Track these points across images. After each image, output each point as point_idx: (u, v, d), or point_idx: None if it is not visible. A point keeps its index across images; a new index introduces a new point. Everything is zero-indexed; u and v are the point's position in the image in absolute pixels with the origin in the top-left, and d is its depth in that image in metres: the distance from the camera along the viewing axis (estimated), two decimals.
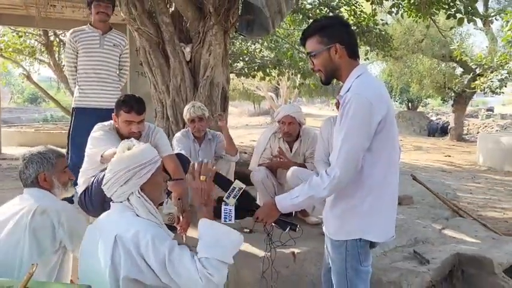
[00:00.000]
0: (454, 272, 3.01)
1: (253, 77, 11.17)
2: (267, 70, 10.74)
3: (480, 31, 16.15)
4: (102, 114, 3.09)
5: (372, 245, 1.94)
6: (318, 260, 2.86)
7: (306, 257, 2.87)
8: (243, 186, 2.03)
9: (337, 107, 3.17)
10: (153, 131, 3.07)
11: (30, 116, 27.26)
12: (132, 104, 2.77)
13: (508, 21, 9.95)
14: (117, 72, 3.78)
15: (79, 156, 3.02)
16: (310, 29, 1.93)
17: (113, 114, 2.88)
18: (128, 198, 1.79)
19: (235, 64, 10.88)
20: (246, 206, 2.03)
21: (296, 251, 2.88)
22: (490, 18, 8.74)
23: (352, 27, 7.37)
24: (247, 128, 22.02)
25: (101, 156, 2.71)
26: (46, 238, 1.92)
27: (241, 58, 10.95)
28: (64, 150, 3.45)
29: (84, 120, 3.35)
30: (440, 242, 3.37)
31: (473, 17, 6.73)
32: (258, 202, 3.57)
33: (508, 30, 9.98)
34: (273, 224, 2.02)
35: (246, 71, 10.93)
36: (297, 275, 2.82)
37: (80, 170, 2.95)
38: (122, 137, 2.89)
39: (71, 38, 3.65)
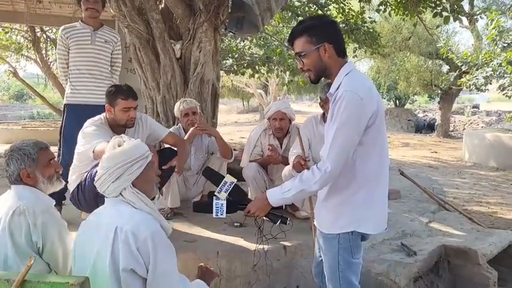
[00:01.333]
0: (440, 263, 3.09)
1: (243, 74, 11.19)
2: (256, 67, 10.77)
3: (466, 29, 16.38)
4: (94, 111, 3.10)
5: (363, 237, 1.99)
6: (308, 253, 2.92)
7: (297, 250, 2.93)
8: (234, 180, 2.08)
9: (322, 106, 3.25)
10: (141, 118, 3.19)
11: (16, 113, 26.92)
12: (127, 91, 2.93)
13: (492, 20, 10.12)
14: (109, 69, 3.78)
15: (71, 153, 3.03)
16: (298, 29, 1.94)
17: (106, 105, 2.95)
18: (121, 194, 1.81)
19: (224, 61, 10.87)
20: (237, 200, 2.07)
21: (287, 244, 2.93)
22: (475, 17, 8.86)
23: (341, 25, 7.43)
24: (237, 125, 22.04)
25: (93, 151, 2.73)
26: (22, 239, 1.86)
27: (230, 55, 10.96)
28: (55, 148, 3.47)
29: (75, 116, 3.35)
30: (427, 234, 3.46)
31: (459, 15, 6.86)
32: (250, 197, 3.66)
33: (493, 28, 10.15)
34: (264, 217, 2.05)
35: (235, 68, 10.95)
36: (287, 267, 2.87)
37: (71, 166, 2.96)
38: (115, 129, 2.92)
39: (62, 34, 3.64)
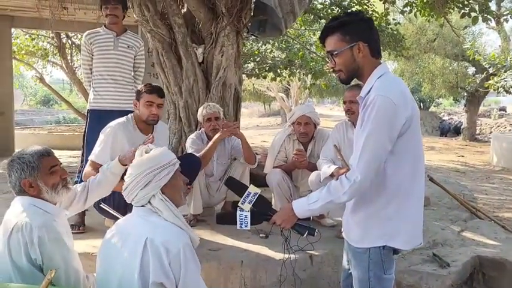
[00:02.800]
0: (475, 275, 2.95)
1: (264, 77, 11.15)
2: (278, 71, 10.71)
3: (493, 30, 15.97)
4: (117, 116, 3.08)
5: (396, 251, 1.87)
6: (335, 263, 2.82)
7: (323, 260, 2.83)
8: (258, 191, 2.00)
9: (345, 111, 3.14)
10: (160, 127, 3.19)
11: (42, 118, 27.50)
12: (153, 86, 3.00)
13: None
14: (132, 74, 3.77)
15: None
16: (332, 25, 1.81)
17: (134, 101, 3.02)
18: (149, 202, 1.77)
19: (246, 65, 10.87)
20: (262, 211, 1.99)
21: (313, 253, 2.83)
22: (503, 17, 8.60)
23: None
24: (258, 129, 22.02)
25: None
26: (22, 258, 1.75)
27: (252, 59, 10.94)
28: (78, 152, 3.46)
29: (98, 122, 3.33)
30: (459, 244, 3.31)
31: (488, 16, 6.64)
32: (273, 204, 3.58)
33: None
34: (290, 229, 1.96)
35: (257, 71, 10.92)
36: (314, 277, 2.78)
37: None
38: (140, 126, 2.98)
39: (85, 40, 3.64)
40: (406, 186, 1.78)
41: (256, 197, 1.96)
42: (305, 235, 1.97)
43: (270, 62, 10.88)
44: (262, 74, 10.80)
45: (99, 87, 3.60)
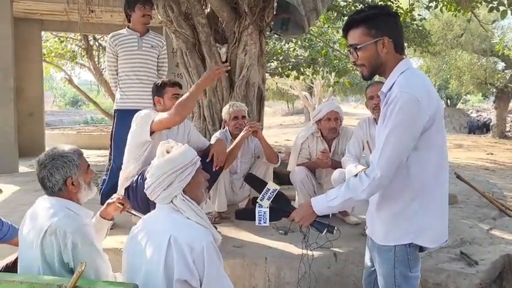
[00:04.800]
0: (504, 274, 2.88)
1: (287, 76, 11.13)
2: (301, 69, 10.67)
3: None
4: None
5: (422, 249, 1.85)
6: (360, 261, 2.79)
7: (348, 258, 2.81)
8: (277, 187, 2.00)
9: (372, 107, 3.12)
10: (186, 121, 3.23)
11: (71, 118, 28.17)
12: (172, 80, 3.08)
13: None
14: (156, 74, 3.83)
15: (122, 158, 3.08)
16: (356, 18, 1.77)
17: (155, 98, 3.06)
18: (172, 201, 1.80)
19: (269, 64, 10.87)
20: (280, 208, 1.99)
21: (337, 250, 2.83)
22: None
23: None
24: (281, 128, 21.98)
25: (151, 130, 2.81)
26: (54, 260, 1.79)
27: (275, 58, 10.93)
28: (106, 152, 3.53)
29: (126, 122, 3.39)
30: (488, 242, 3.24)
31: None
32: (297, 202, 3.58)
33: None
34: (310, 226, 1.95)
35: (280, 70, 10.91)
36: (338, 275, 2.77)
37: (123, 165, 3.00)
38: None
39: (110, 42, 3.73)
40: (430, 183, 1.77)
41: (275, 194, 1.96)
42: (324, 233, 1.95)
43: (293, 60, 10.85)
44: (286, 73, 10.77)
45: (126, 88, 3.68)
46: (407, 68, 1.75)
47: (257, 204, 2.00)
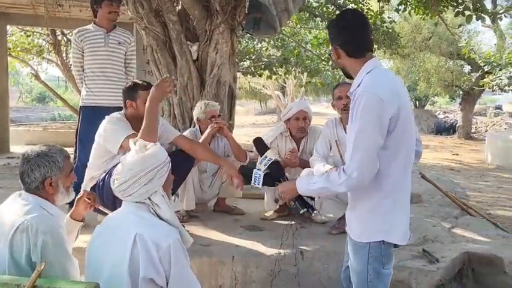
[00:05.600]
0: (464, 271, 2.98)
1: (260, 75, 11.15)
2: (274, 69, 10.72)
3: (488, 28, 16.03)
4: (110, 113, 3.07)
5: (395, 246, 1.91)
6: (326, 259, 2.85)
7: (314, 256, 2.85)
8: (274, 157, 2.13)
9: (341, 108, 3.17)
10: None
11: (38, 115, 27.38)
12: (145, 83, 2.93)
13: None
14: (124, 70, 3.78)
15: (87, 155, 3.01)
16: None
17: (126, 102, 2.90)
18: (149, 198, 1.80)
19: (241, 63, 10.87)
20: (274, 176, 2.12)
21: (304, 248, 2.86)
22: (498, 15, 8.64)
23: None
24: (254, 127, 22.00)
25: (121, 146, 2.72)
26: (22, 258, 1.75)
27: (247, 57, 10.94)
28: (71, 149, 3.45)
29: (91, 119, 3.34)
30: (449, 240, 3.34)
31: (482, 14, 6.66)
32: (265, 201, 3.60)
33: None
34: (293, 201, 2.08)
35: (253, 69, 10.92)
36: (305, 273, 2.80)
37: (88, 166, 2.95)
38: (134, 126, 2.88)
39: (76, 37, 3.65)
40: (400, 182, 1.83)
41: (270, 162, 2.10)
42: (302, 211, 2.06)
43: (266, 60, 10.88)
44: (258, 72, 10.79)
45: (92, 84, 3.61)
46: (374, 68, 1.83)
47: (257, 166, 2.17)
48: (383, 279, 1.89)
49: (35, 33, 11.78)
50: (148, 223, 1.75)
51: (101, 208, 2.23)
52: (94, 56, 3.61)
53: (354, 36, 1.88)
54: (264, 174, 2.08)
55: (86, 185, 2.91)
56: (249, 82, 21.84)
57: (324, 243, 2.96)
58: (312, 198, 2.12)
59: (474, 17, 6.50)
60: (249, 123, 25.61)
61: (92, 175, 2.93)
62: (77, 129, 3.63)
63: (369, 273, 1.87)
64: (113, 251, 1.72)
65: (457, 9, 6.56)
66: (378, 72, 1.82)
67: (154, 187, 1.79)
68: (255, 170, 2.11)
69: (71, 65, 11.28)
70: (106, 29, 3.65)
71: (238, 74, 13.94)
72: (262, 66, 10.67)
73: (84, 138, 3.37)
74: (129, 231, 1.70)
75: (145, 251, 1.66)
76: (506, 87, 12.10)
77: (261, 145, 2.40)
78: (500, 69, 11.79)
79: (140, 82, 2.99)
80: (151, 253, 1.66)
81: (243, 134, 14.88)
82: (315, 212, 2.08)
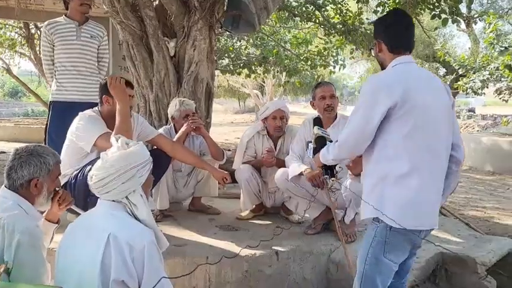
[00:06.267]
0: (438, 272, 3.00)
1: (239, 74, 11.10)
2: (253, 67, 10.68)
3: (463, 33, 16.40)
4: (81, 108, 2.98)
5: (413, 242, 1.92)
6: (301, 259, 2.83)
7: (290, 256, 2.82)
8: (318, 132, 2.28)
9: (315, 106, 3.17)
10: (132, 115, 3.07)
11: (10, 110, 26.72)
12: (124, 79, 2.86)
13: (490, 23, 10.10)
14: (96, 65, 3.67)
15: (56, 152, 2.91)
16: None
17: (103, 97, 2.81)
18: (127, 197, 1.73)
19: (220, 61, 10.79)
20: (318, 149, 2.25)
21: (279, 249, 2.83)
22: (473, 19, 8.83)
23: (338, 26, 7.25)
24: (232, 126, 21.95)
25: (94, 144, 2.64)
26: None
27: (226, 55, 10.87)
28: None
29: (62, 114, 3.23)
30: (423, 241, 3.35)
31: (457, 18, 6.77)
32: (242, 201, 3.56)
33: (490, 32, 10.12)
34: (321, 168, 2.22)
35: (232, 68, 10.86)
36: (280, 273, 2.77)
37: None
38: (109, 122, 2.80)
39: (46, 30, 3.53)
40: (406, 171, 1.83)
41: (315, 137, 2.27)
42: (324, 176, 2.22)
43: (245, 58, 10.84)
44: (237, 71, 10.74)
45: (62, 79, 3.50)
46: (399, 63, 1.95)
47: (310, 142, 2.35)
48: (380, 268, 1.87)
49: (6, 26, 11.43)
50: (123, 223, 1.69)
51: (73, 208, 2.15)
52: (65, 49, 3.49)
53: (398, 33, 2.01)
54: (313, 148, 2.27)
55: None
56: (227, 80, 21.77)
57: (299, 243, 2.94)
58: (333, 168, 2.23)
59: (450, 20, 6.60)
60: (228, 122, 25.56)
61: (63, 173, 2.82)
62: (47, 125, 3.51)
63: (368, 256, 1.89)
64: (85, 251, 1.66)
65: (434, 12, 6.65)
66: (394, 68, 1.95)
67: (134, 186, 1.73)
68: (309, 144, 2.30)
69: None
70: (78, 21, 3.54)
71: (217, 72, 13.89)
72: (241, 64, 10.62)
73: (55, 135, 3.26)
74: (102, 231, 1.64)
75: (118, 252, 1.60)
76: (479, 90, 12.37)
77: (317, 123, 2.60)
78: (474, 73, 12.05)
79: (121, 77, 2.91)
80: (124, 254, 1.60)
81: (222, 133, 14.81)
82: (332, 179, 2.20)
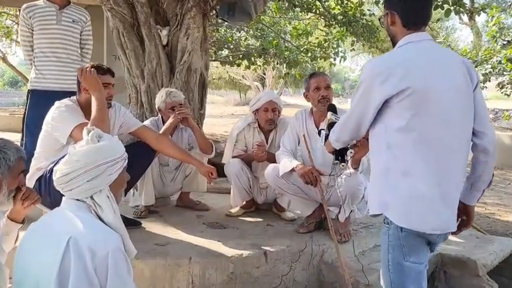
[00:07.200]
0: (436, 274, 2.85)
1: (238, 65, 10.93)
2: (252, 59, 10.49)
3: (465, 26, 16.17)
4: (61, 98, 2.79)
5: (430, 245, 1.76)
6: (292, 260, 2.67)
7: (279, 257, 2.65)
8: (331, 118, 2.18)
9: (308, 98, 3.00)
10: (115, 105, 2.91)
11: (10, 100, 26.59)
12: (103, 67, 2.71)
13: (493, 16, 9.92)
14: (79, 52, 3.49)
15: (35, 143, 2.74)
16: None
17: (81, 85, 2.64)
18: (92, 196, 1.57)
19: (220, 52, 10.65)
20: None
21: (268, 249, 2.66)
22: (478, 10, 8.64)
23: (339, 17, 7.05)
24: (233, 117, 21.72)
25: (70, 135, 2.48)
26: None
27: (226, 46, 10.70)
28: (18, 135, 3.15)
29: (40, 104, 3.04)
30: None
31: (460, 9, 6.58)
32: (232, 196, 3.41)
33: (493, 25, 9.95)
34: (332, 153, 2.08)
35: (231, 59, 10.69)
36: (268, 275, 2.60)
37: (34, 156, 2.68)
38: (87, 113, 2.62)
39: (24, 13, 3.34)
40: (423, 166, 1.65)
41: (328, 123, 2.16)
42: (334, 161, 2.08)
43: (244, 49, 10.66)
44: (236, 62, 10.57)
45: (41, 66, 3.31)
46: (407, 43, 1.74)
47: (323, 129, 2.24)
48: (407, 273, 1.70)
49: (2, 14, 11.23)
50: (86, 226, 1.51)
51: (39, 206, 1.98)
52: (44, 34, 3.30)
53: (417, 6, 1.78)
54: (326, 134, 2.15)
55: (32, 176, 2.65)
56: (227, 72, 21.58)
57: (289, 243, 2.77)
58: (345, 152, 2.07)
59: (453, 11, 6.41)
60: (228, 114, 25.35)
61: (38, 165, 2.66)
62: (24, 114, 3.34)
63: (389, 263, 1.73)
64: (43, 255, 1.50)
65: (436, 3, 6.45)
66: (402, 48, 1.75)
67: (100, 185, 1.57)
68: (322, 131, 2.19)
69: None
70: (58, 5, 3.35)
71: (217, 64, 13.68)
72: (241, 55, 10.44)
73: (32, 125, 3.09)
74: (63, 234, 1.47)
75: (79, 258, 1.43)
76: (482, 84, 12.20)
77: (332, 109, 2.38)
78: (476, 66, 11.85)
79: (99, 65, 2.73)
80: (85, 261, 1.43)
81: (222, 125, 14.69)
82: (342, 164, 2.05)
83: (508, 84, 10.80)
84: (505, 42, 9.80)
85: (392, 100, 1.64)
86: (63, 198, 1.63)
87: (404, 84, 1.61)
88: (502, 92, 11.02)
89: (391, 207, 1.68)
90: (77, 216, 1.54)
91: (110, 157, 1.59)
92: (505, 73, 10.41)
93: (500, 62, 10.04)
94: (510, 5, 15.42)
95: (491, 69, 10.92)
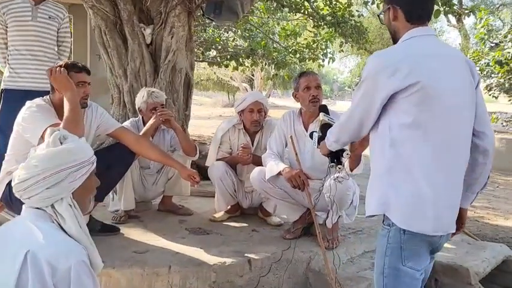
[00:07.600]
0: (427, 282, 2.74)
1: (226, 66, 10.82)
2: (240, 60, 10.39)
3: (454, 28, 16.26)
4: (37, 97, 2.65)
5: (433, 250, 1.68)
6: (277, 268, 2.55)
7: (264, 265, 2.53)
8: (324, 119, 2.11)
9: (297, 98, 2.90)
10: (91, 105, 2.78)
11: None
12: (78, 64, 2.59)
13: (481, 19, 9.95)
14: (56, 49, 3.34)
15: (7, 145, 2.60)
16: None
17: None
18: (52, 205, 1.42)
19: (207, 52, 10.53)
20: (323, 136, 2.06)
21: (252, 257, 2.54)
22: (466, 12, 8.63)
23: (327, 18, 6.97)
24: (221, 119, 21.59)
25: (42, 137, 2.31)
26: None
27: (213, 46, 10.58)
28: None
29: (14, 104, 2.87)
30: None
31: (450, 9, 6.56)
32: (216, 199, 3.28)
33: (481, 27, 9.98)
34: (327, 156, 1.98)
35: (219, 60, 10.57)
36: (252, 285, 2.48)
37: (4, 159, 2.53)
38: (61, 112, 2.47)
39: None
40: (427, 165, 1.56)
41: (321, 124, 2.10)
42: (330, 164, 1.99)
43: (232, 50, 10.55)
44: (224, 63, 10.45)
45: (16, 64, 3.17)
46: (411, 37, 1.66)
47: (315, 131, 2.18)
48: (403, 279, 1.61)
49: None
50: (46, 238, 1.36)
51: (4, 214, 1.84)
52: (19, 31, 3.16)
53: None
54: (318, 137, 2.08)
55: (2, 180, 2.50)
56: (215, 73, 21.44)
57: (275, 249, 2.65)
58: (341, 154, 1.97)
59: (442, 12, 6.39)
60: (216, 115, 25.21)
61: (9, 169, 2.50)
62: None
63: (384, 267, 1.63)
64: None
65: None
66: (407, 42, 1.66)
67: (61, 193, 1.42)
68: (314, 134, 2.11)
69: None
70: (34, 0, 3.20)
71: (204, 65, 13.53)
72: (228, 56, 10.33)
73: (5, 126, 2.93)
74: (20, 247, 1.33)
75: (37, 275, 1.28)
76: None
77: (324, 110, 2.31)
78: None
79: (74, 63, 2.60)
80: (44, 277, 1.28)
81: (210, 126, 14.56)
82: (339, 166, 1.96)
83: (496, 86, 10.85)
84: (493, 45, 9.83)
85: (398, 95, 1.55)
86: (23, 206, 1.49)
87: (413, 79, 1.52)
88: (490, 95, 11.07)
89: (394, 207, 1.58)
90: (37, 226, 1.39)
91: (73, 162, 1.44)
92: (493, 75, 10.44)
93: (488, 65, 10.07)
94: (498, 7, 15.58)
95: (479, 72, 10.97)
